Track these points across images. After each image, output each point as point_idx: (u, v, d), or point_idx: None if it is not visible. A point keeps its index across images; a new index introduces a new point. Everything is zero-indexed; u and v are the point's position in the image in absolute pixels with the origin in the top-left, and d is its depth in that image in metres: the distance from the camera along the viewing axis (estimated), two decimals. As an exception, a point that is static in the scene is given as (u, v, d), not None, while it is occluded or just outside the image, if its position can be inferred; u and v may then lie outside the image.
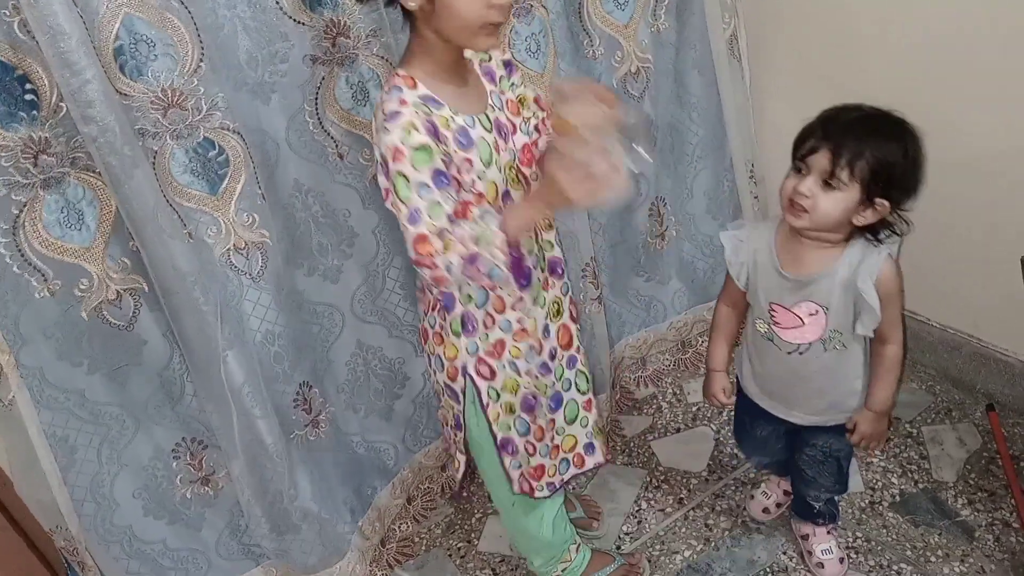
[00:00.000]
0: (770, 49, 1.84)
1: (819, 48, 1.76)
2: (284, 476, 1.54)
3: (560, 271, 1.27)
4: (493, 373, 1.23)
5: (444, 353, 1.23)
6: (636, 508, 1.73)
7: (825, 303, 1.22)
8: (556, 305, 1.26)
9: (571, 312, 1.31)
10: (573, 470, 1.39)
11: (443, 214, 1.01)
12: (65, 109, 1.14)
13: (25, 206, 1.17)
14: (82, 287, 1.27)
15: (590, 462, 1.40)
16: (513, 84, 1.21)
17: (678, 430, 1.89)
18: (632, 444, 1.87)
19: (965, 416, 1.78)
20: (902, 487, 1.65)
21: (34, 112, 1.13)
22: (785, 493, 1.63)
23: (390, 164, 1.01)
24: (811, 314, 1.23)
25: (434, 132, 1.04)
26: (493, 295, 1.18)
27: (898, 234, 1.19)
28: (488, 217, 1.04)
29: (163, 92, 1.19)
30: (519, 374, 1.23)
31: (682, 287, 2.02)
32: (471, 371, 1.22)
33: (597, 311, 1.76)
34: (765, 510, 1.64)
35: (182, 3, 1.16)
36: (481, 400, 1.24)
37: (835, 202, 1.13)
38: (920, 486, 1.65)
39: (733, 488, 1.72)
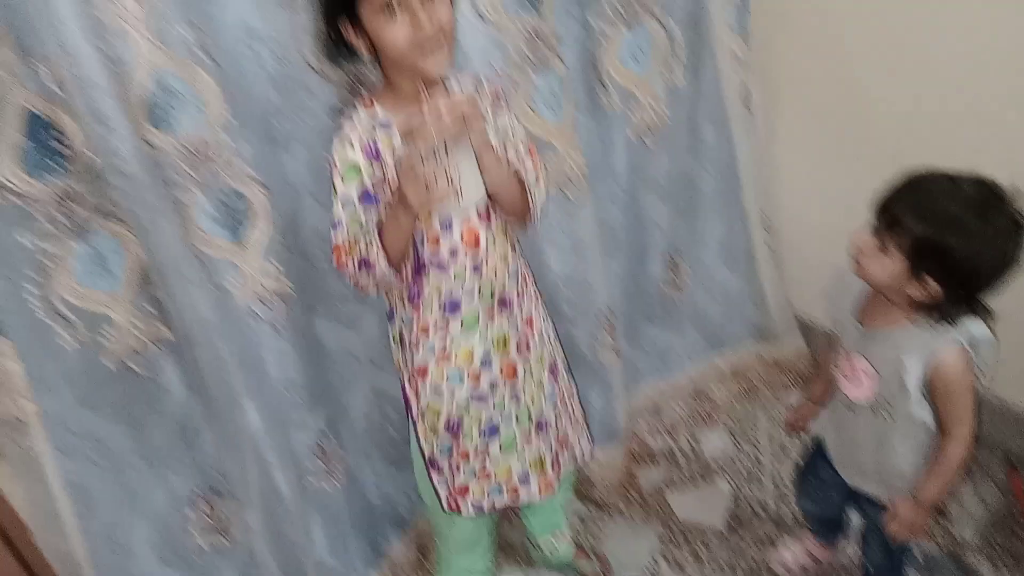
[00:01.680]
0: (783, 102, 1.87)
1: (830, 101, 1.79)
2: (299, 526, 1.53)
3: (510, 307, 1.27)
4: (418, 393, 1.31)
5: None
6: (653, 563, 1.70)
7: (877, 366, 1.18)
8: (502, 339, 1.27)
9: (520, 347, 1.30)
10: (506, 499, 1.40)
11: (359, 228, 1.14)
12: (95, 160, 1.17)
13: (54, 256, 1.19)
14: (107, 335, 1.27)
15: (523, 494, 1.39)
16: (492, 121, 1.22)
17: (695, 483, 1.86)
18: (648, 496, 1.85)
19: (986, 475, 1.76)
20: (923, 547, 1.62)
21: (65, 163, 1.16)
22: (810, 556, 1.59)
23: (330, 173, 1.15)
24: (864, 372, 1.19)
25: (373, 153, 1.14)
26: (418, 317, 1.24)
27: (950, 322, 1.11)
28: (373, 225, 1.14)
29: (190, 144, 1.21)
30: (442, 398, 1.28)
31: (697, 336, 2.02)
32: (406, 384, 1.32)
33: (613, 360, 1.75)
34: (786, 568, 1.61)
35: (212, 58, 1.19)
36: (412, 414, 1.34)
37: (881, 266, 1.11)
38: (942, 547, 1.62)
39: (753, 545, 1.69)
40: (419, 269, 1.21)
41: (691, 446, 1.97)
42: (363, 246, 1.13)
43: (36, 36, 1.07)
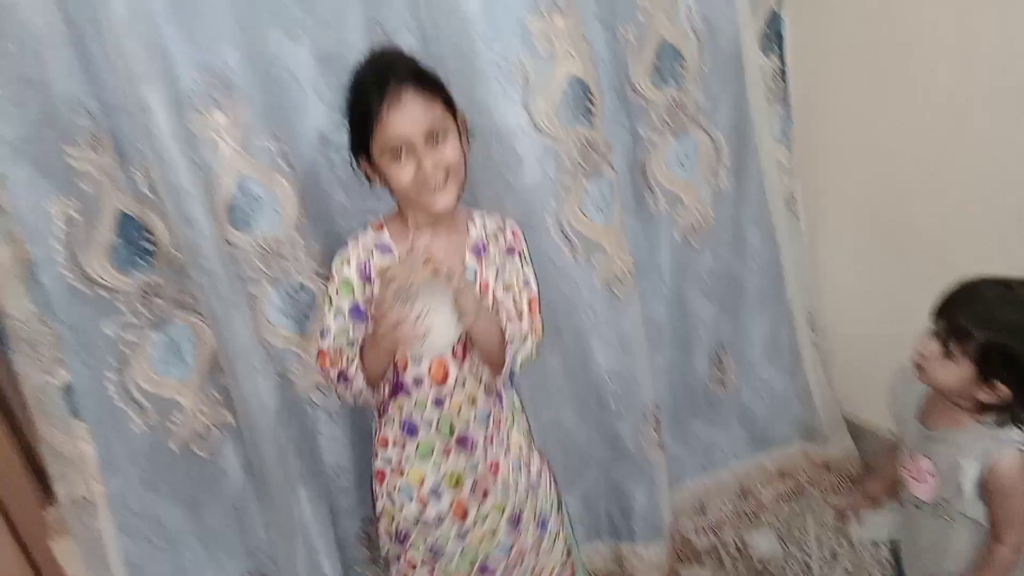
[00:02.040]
0: (827, 206, 1.92)
1: (873, 206, 1.82)
2: (344, 613, 1.54)
3: (470, 448, 1.26)
4: (375, 494, 1.33)
5: None
6: (699, 667, 1.66)
7: (938, 466, 1.18)
8: (455, 477, 1.26)
9: (475, 490, 1.28)
10: None
11: (346, 339, 1.19)
12: (177, 257, 1.26)
13: (133, 345, 1.27)
14: (175, 420, 1.34)
15: None
16: (499, 268, 1.25)
17: (741, 584, 1.83)
18: (693, 596, 1.82)
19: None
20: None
21: (150, 259, 1.26)
22: None
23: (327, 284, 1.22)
24: (927, 471, 1.20)
25: (366, 274, 1.19)
26: (382, 429, 1.28)
27: (1017, 424, 1.12)
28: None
29: (265, 242, 1.30)
30: (394, 506, 1.29)
31: (743, 433, 2.01)
32: (373, 479, 1.33)
33: (658, 455, 1.76)
34: None
35: (290, 165, 1.29)
36: (375, 510, 1.35)
37: (948, 372, 1.12)
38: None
39: (802, 650, 1.65)
40: (395, 389, 1.24)
41: (737, 546, 1.94)
42: (345, 359, 1.18)
43: (134, 145, 1.18)
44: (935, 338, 1.15)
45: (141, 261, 1.25)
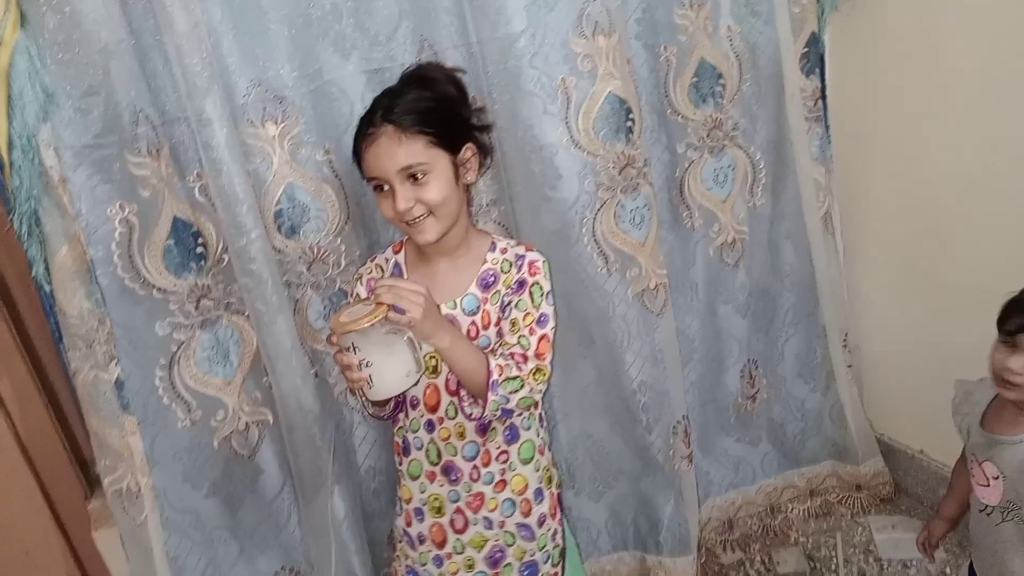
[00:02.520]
0: (864, 225, 1.92)
1: (911, 226, 1.82)
2: (373, 613, 1.57)
3: (455, 477, 1.25)
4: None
5: None
6: None
7: (1005, 470, 1.19)
8: (437, 502, 1.27)
9: (455, 522, 1.28)
10: None
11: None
12: (227, 260, 1.31)
13: (183, 344, 1.32)
14: (218, 418, 1.39)
15: None
16: (507, 302, 1.20)
17: (768, 601, 1.83)
18: (718, 612, 1.83)
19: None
20: None
21: (202, 263, 1.31)
22: None
23: None
24: (993, 477, 1.21)
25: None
26: (395, 439, 1.30)
27: None
28: None
29: (310, 249, 1.35)
30: (394, 509, 1.33)
31: (772, 450, 2.01)
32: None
33: (687, 469, 1.77)
34: None
35: (336, 175, 1.34)
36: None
37: None
38: None
39: (827, 670, 1.65)
40: (396, 405, 1.26)
41: (764, 562, 1.94)
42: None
43: (191, 153, 1.23)
44: (1021, 351, 1.14)
45: (193, 264, 1.30)
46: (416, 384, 1.13)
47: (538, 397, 1.20)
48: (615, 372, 1.66)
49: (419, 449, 1.26)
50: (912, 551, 1.85)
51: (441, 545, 1.30)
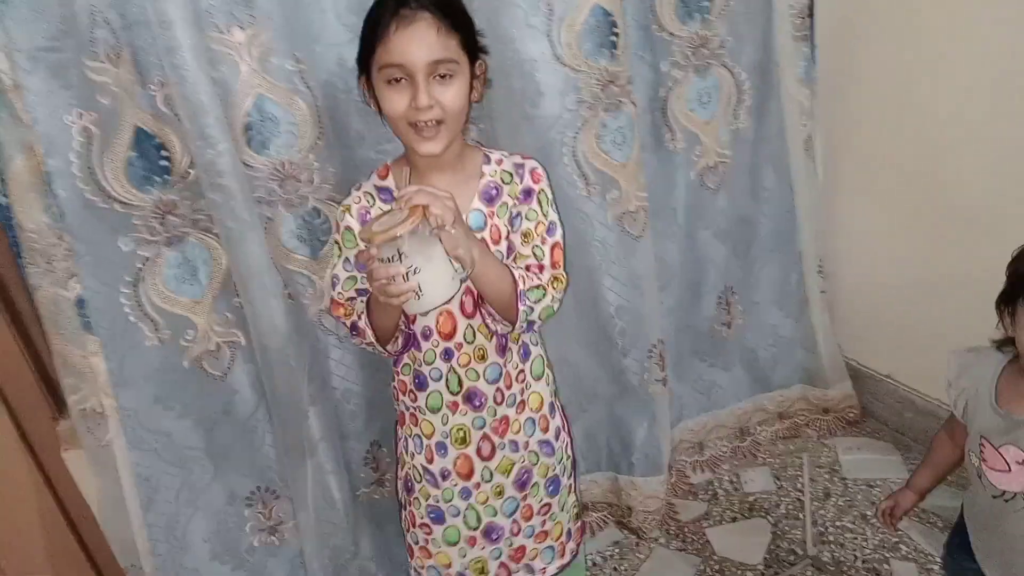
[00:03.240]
0: (846, 151, 1.90)
1: (892, 153, 1.81)
2: (348, 532, 1.58)
3: (478, 404, 1.22)
4: (397, 436, 1.33)
5: None
6: (689, 595, 1.72)
7: None
8: (461, 432, 1.23)
9: (481, 450, 1.26)
10: None
11: (354, 287, 1.18)
12: (193, 175, 1.25)
13: (148, 261, 1.27)
14: (187, 337, 1.36)
15: None
16: (516, 213, 1.18)
17: (734, 519, 1.88)
18: (686, 529, 1.87)
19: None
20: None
21: (166, 176, 1.25)
22: None
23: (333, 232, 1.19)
24: (1018, 462, 1.09)
25: (365, 222, 1.15)
26: (397, 374, 1.27)
27: None
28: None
29: (282, 165, 1.30)
30: (406, 452, 1.29)
31: (744, 375, 2.04)
32: (398, 420, 1.33)
33: (661, 392, 1.79)
34: None
35: (308, 87, 1.27)
36: (396, 452, 1.35)
37: None
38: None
39: (790, 583, 1.71)
40: (406, 342, 1.20)
41: (732, 483, 1.99)
42: (356, 312, 1.15)
43: (153, 60, 1.16)
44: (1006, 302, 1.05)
45: (157, 178, 1.24)
46: (457, 292, 1.07)
47: (558, 307, 1.17)
48: (592, 296, 1.65)
49: (437, 380, 1.21)
50: (876, 471, 1.91)
51: (468, 476, 1.26)
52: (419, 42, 1.02)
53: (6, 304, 1.46)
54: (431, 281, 0.98)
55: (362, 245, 1.11)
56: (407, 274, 0.96)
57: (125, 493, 1.42)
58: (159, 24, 1.11)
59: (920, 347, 1.90)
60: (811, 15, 1.75)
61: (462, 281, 1.06)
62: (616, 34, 1.45)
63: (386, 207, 1.15)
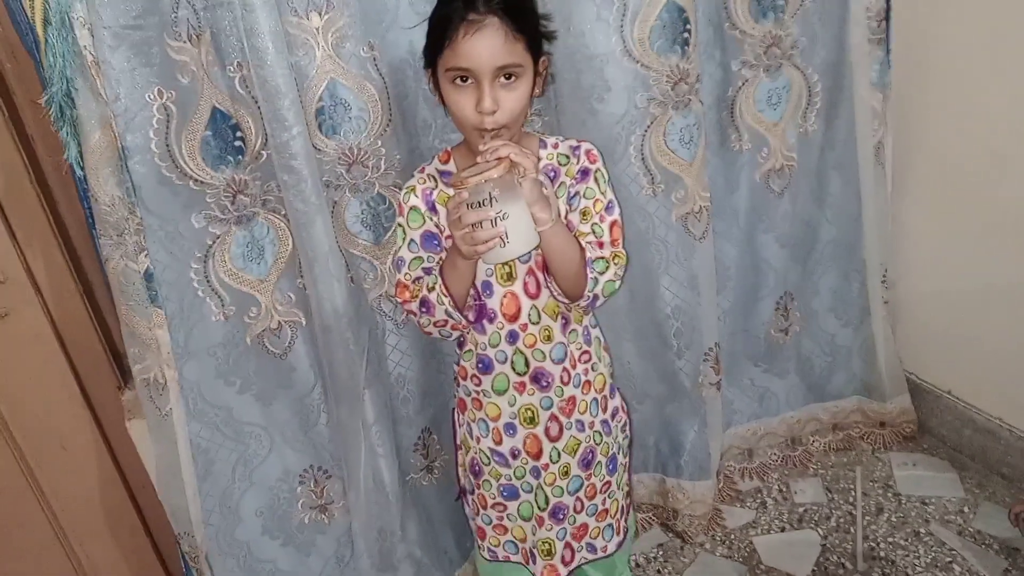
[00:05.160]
0: (917, 159, 1.85)
1: (962, 163, 1.76)
2: (396, 516, 1.60)
3: (545, 384, 1.24)
4: (456, 423, 1.37)
5: None
6: (733, 602, 1.70)
7: None
8: (529, 412, 1.26)
9: (548, 430, 1.28)
10: (520, 559, 1.39)
11: (420, 267, 1.20)
12: (265, 156, 1.28)
13: (218, 238, 1.30)
14: (251, 315, 1.38)
15: (533, 568, 1.38)
16: (574, 192, 1.20)
17: (782, 529, 1.85)
18: (733, 536, 1.85)
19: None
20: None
21: (240, 157, 1.27)
22: None
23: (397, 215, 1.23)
24: None
25: (430, 204, 1.20)
26: (462, 360, 1.28)
27: None
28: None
29: (350, 150, 1.31)
30: (471, 437, 1.31)
31: (798, 383, 2.01)
32: (455, 409, 1.37)
33: (714, 396, 1.77)
34: None
35: (380, 74, 1.29)
36: (455, 439, 1.39)
37: None
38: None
39: (837, 597, 1.68)
40: (478, 315, 1.22)
41: (782, 492, 1.96)
42: (426, 287, 1.16)
43: (232, 41, 1.18)
44: None
45: (230, 158, 1.27)
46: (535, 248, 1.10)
47: (619, 284, 1.19)
48: (649, 296, 1.64)
49: (503, 363, 1.24)
50: (931, 489, 1.86)
51: (538, 456, 1.29)
52: (486, 47, 1.04)
53: (79, 274, 1.52)
54: (516, 229, 1.02)
55: (427, 225, 1.18)
56: (495, 220, 1.00)
57: (182, 463, 1.45)
58: (241, 6, 1.13)
59: (982, 364, 1.85)
60: (887, 19, 1.70)
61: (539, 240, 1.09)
62: (688, 31, 1.43)
63: (448, 191, 1.17)
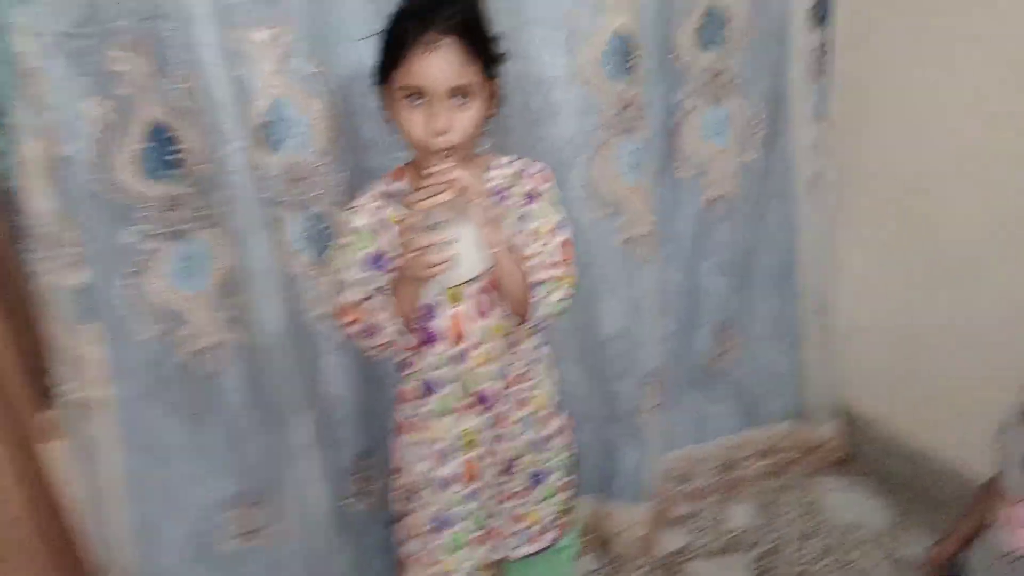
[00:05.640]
0: (851, 191, 1.90)
1: (898, 198, 1.81)
2: (328, 542, 1.56)
3: (488, 406, 1.23)
4: (393, 448, 1.33)
5: None
6: (666, 627, 1.70)
7: None
8: (469, 436, 1.24)
9: (487, 451, 1.27)
10: None
11: (364, 289, 1.16)
12: (204, 171, 1.24)
13: (152, 253, 1.26)
14: (182, 333, 1.34)
15: None
16: (525, 212, 1.19)
17: (714, 554, 1.87)
18: (667, 561, 1.86)
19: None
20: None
21: (178, 170, 1.23)
22: None
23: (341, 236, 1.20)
24: None
25: (378, 224, 1.17)
26: (404, 380, 1.26)
27: None
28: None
29: (293, 167, 1.28)
30: (408, 461, 1.28)
31: (735, 408, 2.03)
32: (392, 434, 1.33)
33: (653, 420, 1.78)
34: None
35: (326, 90, 1.27)
36: (392, 463, 1.34)
37: None
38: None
39: (768, 623, 1.70)
40: (424, 337, 1.20)
41: (716, 517, 1.97)
42: (371, 309, 1.14)
43: (175, 53, 1.15)
44: None
45: (168, 171, 1.22)
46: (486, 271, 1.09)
47: (568, 304, 1.19)
48: (592, 318, 1.64)
49: (446, 385, 1.21)
50: (859, 515, 1.91)
51: (472, 479, 1.27)
52: (441, 68, 1.04)
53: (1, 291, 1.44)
54: (467, 252, 1.03)
55: (374, 246, 1.16)
56: (446, 244, 1.01)
57: (107, 487, 1.39)
58: (182, 18, 1.10)
59: (913, 393, 1.90)
60: (827, 52, 1.76)
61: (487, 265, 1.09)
62: (636, 58, 1.45)
63: (398, 210, 1.16)
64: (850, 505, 1.95)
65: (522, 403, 1.28)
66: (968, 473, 1.76)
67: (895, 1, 1.68)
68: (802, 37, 1.68)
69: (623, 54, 1.44)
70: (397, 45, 1.05)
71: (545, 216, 1.19)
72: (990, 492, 1.27)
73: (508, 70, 1.35)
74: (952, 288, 1.73)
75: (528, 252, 1.17)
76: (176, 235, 1.27)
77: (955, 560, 1.35)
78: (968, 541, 1.32)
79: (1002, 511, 1.15)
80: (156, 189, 1.22)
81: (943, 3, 1.59)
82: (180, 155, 1.22)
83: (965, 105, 1.60)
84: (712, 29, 1.60)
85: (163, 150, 1.21)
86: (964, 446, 1.75)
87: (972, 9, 1.54)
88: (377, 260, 1.18)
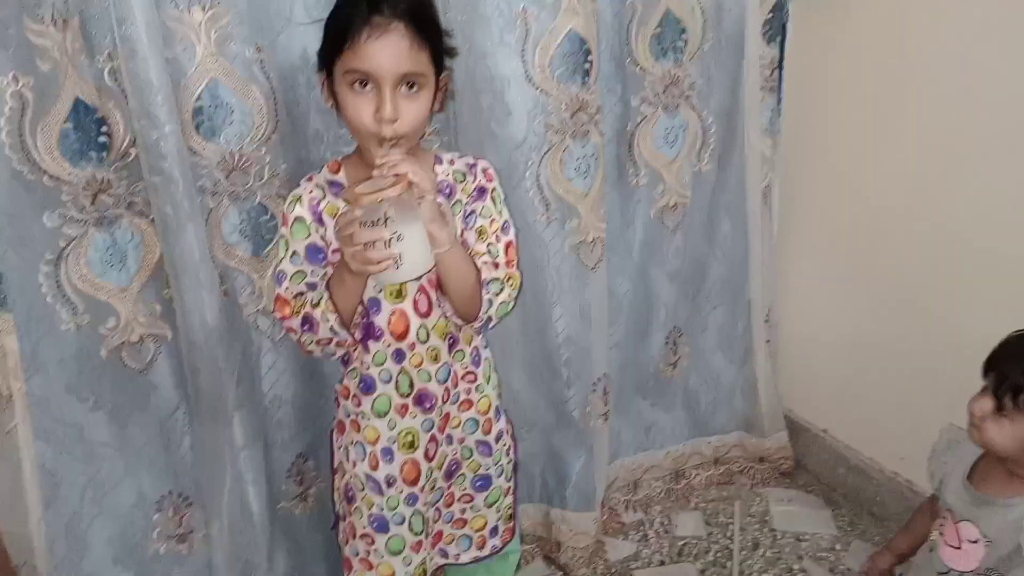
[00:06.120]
0: (800, 205, 1.91)
1: (844, 214, 1.83)
2: (263, 547, 1.51)
3: (429, 406, 1.20)
4: (334, 447, 1.30)
5: None
6: (609, 638, 1.68)
7: (989, 535, 1.10)
8: (409, 437, 1.20)
9: (428, 452, 1.23)
10: None
11: (303, 282, 1.13)
12: (133, 155, 1.19)
13: (74, 240, 1.20)
14: (108, 326, 1.28)
15: None
16: (470, 211, 1.17)
17: (662, 563, 1.85)
18: (614, 569, 1.84)
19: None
20: None
21: (103, 154, 1.18)
22: None
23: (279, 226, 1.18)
24: (971, 540, 1.11)
25: (317, 216, 1.14)
26: (345, 379, 1.23)
27: None
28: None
29: (231, 155, 1.24)
30: (347, 460, 1.25)
31: (684, 417, 2.03)
32: (332, 431, 1.31)
33: (601, 427, 1.76)
34: None
35: (267, 77, 1.22)
36: (332, 463, 1.32)
37: (1002, 430, 1.05)
38: None
39: (711, 633, 1.68)
40: (366, 334, 1.16)
41: (664, 526, 1.96)
42: (310, 303, 1.10)
43: (103, 29, 1.09)
44: (988, 395, 1.07)
45: (93, 154, 1.17)
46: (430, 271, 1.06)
47: (512, 305, 1.16)
48: (541, 324, 1.62)
49: (387, 383, 1.18)
50: (805, 525, 1.91)
51: (414, 482, 1.23)
52: (390, 53, 1.00)
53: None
54: (411, 251, 0.98)
55: (312, 238, 1.12)
56: (390, 241, 0.95)
57: (26, 485, 1.32)
58: (113, -8, 1.05)
59: (857, 405, 1.91)
60: (780, 67, 1.76)
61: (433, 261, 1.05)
62: (590, 62, 1.43)
63: (337, 202, 1.12)
64: (795, 516, 1.95)
65: (466, 403, 1.26)
66: (911, 487, 1.77)
67: (846, 20, 1.70)
68: (757, 50, 1.68)
69: (577, 56, 1.42)
70: (345, 27, 1.01)
71: (491, 216, 1.17)
72: (928, 510, 1.28)
73: (460, 66, 1.34)
74: (894, 304, 1.75)
75: (474, 251, 1.15)
76: (101, 221, 1.21)
77: (893, 573, 1.36)
78: (905, 556, 1.33)
79: (937, 530, 1.16)
80: (80, 172, 1.16)
81: (893, 24, 1.61)
82: (107, 137, 1.17)
83: (911, 125, 1.62)
84: (669, 36, 1.58)
85: (89, 131, 1.15)
86: (907, 460, 1.77)
87: (921, 30, 1.56)
88: (315, 252, 1.14)
